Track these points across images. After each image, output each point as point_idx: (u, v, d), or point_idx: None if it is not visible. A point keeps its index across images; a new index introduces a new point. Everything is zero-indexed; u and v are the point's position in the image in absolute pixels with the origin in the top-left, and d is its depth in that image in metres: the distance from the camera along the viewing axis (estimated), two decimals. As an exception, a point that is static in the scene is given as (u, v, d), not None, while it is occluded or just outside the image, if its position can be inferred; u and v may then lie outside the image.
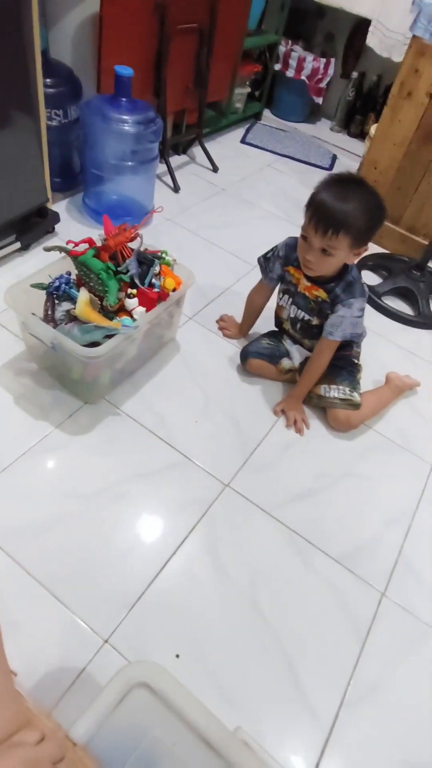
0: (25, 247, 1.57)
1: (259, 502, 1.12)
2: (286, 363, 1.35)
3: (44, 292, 1.16)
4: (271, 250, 1.28)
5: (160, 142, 1.73)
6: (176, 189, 2.07)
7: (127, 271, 1.16)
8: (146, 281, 1.20)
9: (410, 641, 0.98)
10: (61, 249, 1.17)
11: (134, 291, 1.17)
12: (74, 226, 1.73)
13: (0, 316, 1.34)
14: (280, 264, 1.26)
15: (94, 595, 0.92)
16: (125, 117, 1.58)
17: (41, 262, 1.26)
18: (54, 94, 1.58)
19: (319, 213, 1.04)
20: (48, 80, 1.52)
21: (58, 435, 1.14)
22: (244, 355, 1.36)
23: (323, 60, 2.64)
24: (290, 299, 1.28)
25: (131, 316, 1.16)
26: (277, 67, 2.68)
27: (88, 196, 1.79)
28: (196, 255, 1.76)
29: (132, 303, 1.16)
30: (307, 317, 1.26)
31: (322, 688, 0.89)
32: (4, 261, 1.53)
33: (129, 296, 1.16)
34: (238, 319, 1.49)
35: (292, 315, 1.30)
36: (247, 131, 2.68)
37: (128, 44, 1.71)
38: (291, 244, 1.23)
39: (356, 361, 1.33)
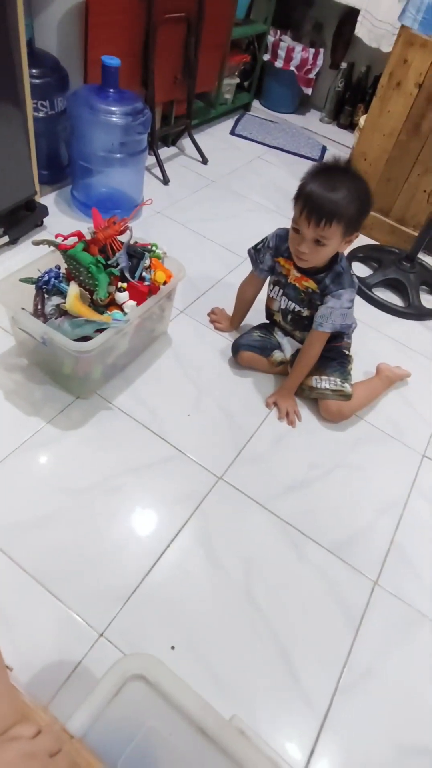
0: (13, 241, 1.56)
1: (252, 494, 1.13)
2: (277, 355, 1.35)
3: (33, 286, 1.15)
4: (262, 241, 1.27)
5: (148, 133, 1.72)
6: (166, 181, 2.05)
7: (117, 264, 1.15)
8: (136, 275, 1.19)
9: (402, 628, 0.99)
10: (50, 243, 1.15)
11: (124, 285, 1.17)
12: (63, 220, 1.71)
13: (-11, 311, 1.32)
14: (270, 255, 1.26)
15: (88, 589, 0.92)
16: (113, 108, 1.56)
17: (30, 256, 1.25)
18: (40, 84, 1.55)
19: (310, 204, 1.04)
20: (34, 70, 1.49)
21: (50, 430, 1.13)
22: (236, 347, 1.36)
23: (312, 50, 2.62)
24: (280, 290, 1.28)
25: (122, 310, 1.15)
26: (266, 57, 2.66)
27: (76, 188, 1.77)
28: (187, 248, 1.75)
29: (122, 297, 1.15)
30: (297, 308, 1.26)
31: (316, 676, 0.90)
32: (-8, 255, 1.51)
33: (119, 290, 1.16)
34: (230, 312, 1.48)
35: (282, 306, 1.30)
36: (237, 122, 2.66)
37: (115, 33, 1.69)
38: (281, 235, 1.23)
39: (347, 353, 1.34)
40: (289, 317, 1.30)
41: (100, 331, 1.08)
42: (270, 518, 1.10)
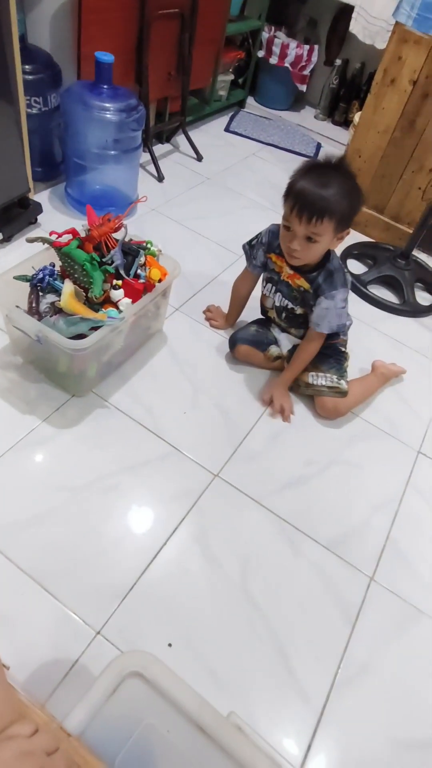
0: (7, 239, 1.55)
1: (248, 491, 1.13)
2: (274, 350, 1.35)
3: (28, 284, 1.14)
4: (256, 237, 1.27)
5: (143, 130, 1.71)
6: (160, 178, 2.05)
7: (112, 262, 1.15)
8: (131, 272, 1.19)
9: (398, 624, 1.00)
10: (44, 240, 1.15)
11: (119, 282, 1.16)
12: (57, 217, 1.71)
13: (-17, 309, 1.31)
14: (263, 251, 1.25)
15: (85, 587, 0.92)
16: (107, 104, 1.55)
17: (24, 254, 1.24)
18: (33, 80, 1.54)
19: (301, 201, 1.03)
20: (26, 66, 1.48)
21: (45, 428, 1.13)
22: (233, 341, 1.36)
23: (306, 47, 2.62)
24: (273, 288, 1.28)
25: (117, 308, 1.15)
26: (261, 53, 2.65)
27: (70, 186, 1.76)
28: (182, 245, 1.75)
29: (117, 294, 1.15)
30: (290, 306, 1.26)
31: (313, 672, 0.90)
32: (-14, 253, 1.50)
33: (114, 287, 1.15)
34: (225, 309, 1.48)
35: (276, 304, 1.30)
36: (231, 119, 2.65)
37: (108, 29, 1.68)
38: (274, 231, 1.22)
39: (343, 350, 1.34)
40: (284, 315, 1.30)
41: (96, 328, 1.07)
42: (266, 515, 1.10)
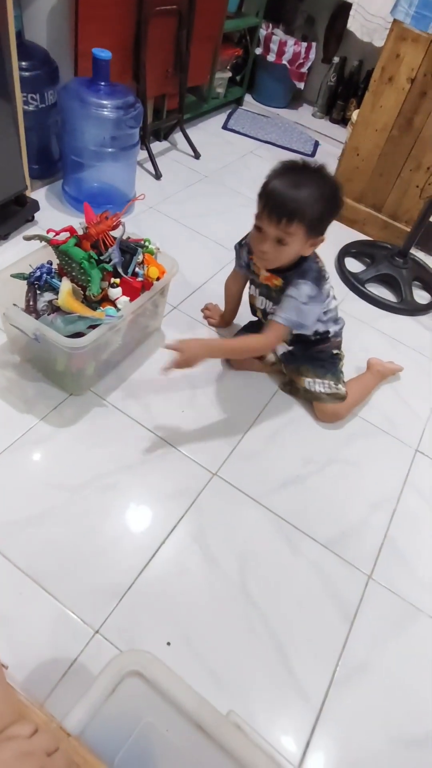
0: (3, 237, 1.54)
1: (246, 489, 1.13)
2: (269, 357, 1.35)
3: (25, 282, 1.14)
4: (245, 236, 1.26)
5: (140, 127, 1.70)
6: (158, 176, 2.04)
7: (110, 260, 1.14)
8: (129, 270, 1.18)
9: (396, 622, 1.00)
10: (41, 238, 1.14)
11: (117, 280, 1.16)
12: (54, 215, 1.70)
13: (-20, 308, 1.31)
14: (246, 252, 1.23)
15: (83, 586, 0.92)
16: (104, 101, 1.55)
17: (21, 252, 1.23)
18: (30, 77, 1.53)
19: (272, 201, 1.00)
20: (23, 63, 1.47)
21: (43, 427, 1.13)
22: None
23: (304, 44, 2.61)
24: (257, 289, 1.26)
25: (115, 306, 1.15)
26: (258, 51, 2.65)
27: (67, 183, 1.75)
28: (180, 243, 1.74)
29: (115, 292, 1.15)
30: (273, 306, 1.23)
31: (311, 670, 0.91)
32: (-17, 251, 1.50)
33: (112, 286, 1.15)
34: (222, 307, 1.48)
35: (260, 306, 1.28)
36: (229, 117, 2.65)
37: (106, 26, 1.67)
38: None
39: (336, 352, 1.31)
40: (268, 317, 1.23)
41: (93, 327, 1.07)
42: (265, 514, 1.10)
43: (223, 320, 1.47)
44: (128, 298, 1.16)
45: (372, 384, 1.41)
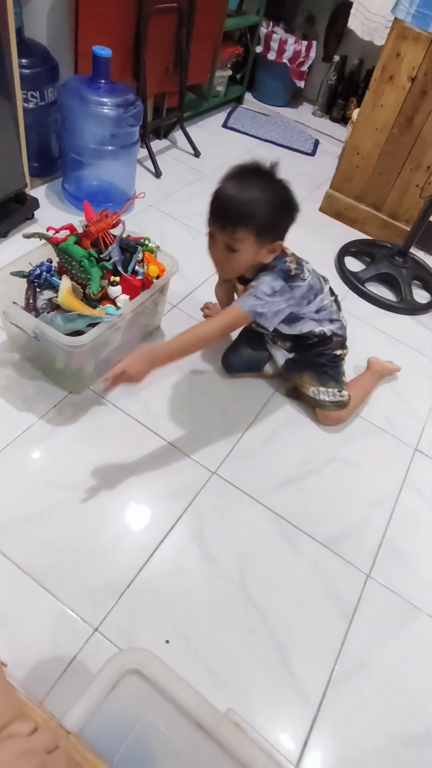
0: (3, 234, 1.54)
1: (246, 488, 1.13)
2: (268, 369, 1.35)
3: (25, 280, 1.14)
4: None
5: (140, 126, 1.70)
6: (158, 174, 2.04)
7: (110, 258, 1.14)
8: (129, 268, 1.18)
9: (395, 620, 1.00)
10: (41, 236, 1.14)
11: (117, 278, 1.16)
12: (54, 213, 1.69)
13: (-21, 306, 1.31)
14: None
15: (82, 584, 0.92)
16: (104, 99, 1.54)
17: (21, 250, 1.23)
18: (30, 75, 1.53)
19: (217, 206, 0.96)
20: (23, 60, 1.47)
21: (42, 426, 1.13)
22: (228, 368, 1.34)
23: (305, 43, 2.61)
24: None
25: (115, 304, 1.14)
26: (259, 49, 2.64)
27: (67, 181, 1.75)
28: (179, 241, 1.74)
29: (115, 291, 1.15)
30: None
31: (310, 668, 0.91)
32: (-18, 249, 1.49)
33: (112, 284, 1.15)
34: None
35: None
36: (229, 115, 2.64)
37: (106, 23, 1.66)
38: None
39: (338, 353, 1.26)
40: (253, 324, 1.13)
41: (93, 325, 1.07)
42: (264, 512, 1.10)
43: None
44: (128, 296, 1.15)
45: (371, 384, 1.41)
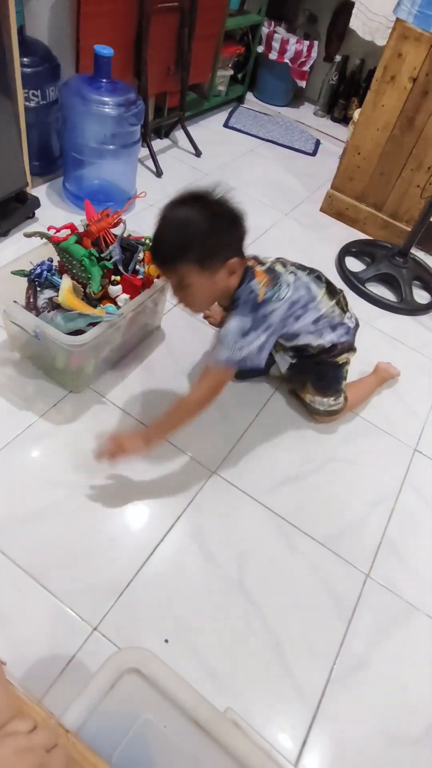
0: (4, 233, 1.54)
1: (245, 488, 1.13)
2: (273, 371, 1.34)
3: (25, 279, 1.14)
4: None
5: (141, 125, 1.70)
6: (159, 173, 2.04)
7: (111, 257, 1.14)
8: (130, 268, 1.18)
9: (394, 620, 1.00)
10: (42, 235, 1.14)
11: (118, 278, 1.16)
12: (55, 212, 1.69)
13: (-20, 304, 1.31)
14: None
15: (82, 583, 0.92)
16: (106, 98, 1.54)
17: (22, 249, 1.23)
18: (31, 73, 1.53)
19: (152, 247, 0.90)
20: (25, 59, 1.47)
21: (42, 424, 1.13)
22: (234, 375, 1.30)
23: (306, 42, 2.61)
24: None
25: (115, 304, 1.15)
26: (260, 49, 2.64)
27: (68, 180, 1.75)
28: (180, 241, 1.74)
29: (116, 290, 1.15)
30: None
31: (309, 668, 0.91)
32: (-17, 247, 1.50)
33: (112, 283, 1.15)
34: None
35: None
36: (230, 115, 2.64)
37: (107, 22, 1.66)
38: None
39: (341, 361, 1.20)
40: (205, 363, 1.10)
41: (93, 324, 1.07)
42: (263, 512, 1.10)
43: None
44: (128, 295, 1.15)
45: (373, 388, 1.40)
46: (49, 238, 1.13)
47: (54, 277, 1.13)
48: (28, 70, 1.51)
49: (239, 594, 0.97)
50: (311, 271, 1.09)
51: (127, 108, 1.58)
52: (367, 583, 1.04)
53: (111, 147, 1.63)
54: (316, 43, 2.64)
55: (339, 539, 1.09)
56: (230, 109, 2.69)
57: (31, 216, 1.62)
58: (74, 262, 1.09)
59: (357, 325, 1.20)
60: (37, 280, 1.13)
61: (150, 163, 2.05)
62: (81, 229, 1.14)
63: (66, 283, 1.08)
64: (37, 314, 1.10)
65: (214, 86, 2.45)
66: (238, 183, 2.14)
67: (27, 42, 1.53)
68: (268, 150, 2.46)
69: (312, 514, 1.12)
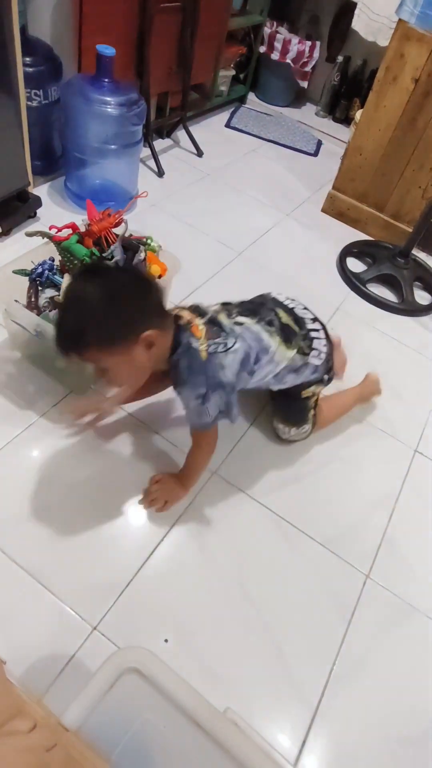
0: (5, 232, 1.54)
1: (245, 488, 1.13)
2: None
3: (27, 278, 1.14)
4: None
5: (143, 125, 1.70)
6: (160, 173, 2.04)
7: (112, 257, 1.14)
8: (131, 268, 1.18)
9: (394, 621, 1.00)
10: (43, 234, 1.14)
11: (119, 278, 1.16)
12: (56, 211, 1.70)
13: (-19, 303, 1.31)
14: None
15: (82, 582, 0.92)
16: (108, 98, 1.54)
17: (23, 248, 1.23)
18: (33, 73, 1.53)
19: (55, 339, 0.83)
20: (27, 59, 1.47)
21: (43, 424, 1.13)
22: None
23: (308, 43, 2.60)
24: None
25: (116, 304, 1.14)
26: (262, 49, 2.64)
27: (70, 180, 1.75)
28: (182, 241, 1.74)
29: (117, 290, 1.14)
30: None
31: (308, 668, 0.91)
32: (-15, 246, 1.50)
33: (114, 283, 1.15)
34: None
35: None
36: (232, 115, 2.64)
37: (110, 22, 1.66)
38: None
39: (307, 395, 1.13)
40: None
41: (95, 324, 1.07)
42: (263, 512, 1.10)
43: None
44: (130, 295, 1.15)
45: (351, 404, 1.30)
46: (51, 238, 1.13)
47: (55, 276, 1.13)
48: (31, 69, 1.51)
49: (239, 594, 0.97)
50: (261, 317, 1.00)
51: (129, 108, 1.58)
52: (367, 584, 1.04)
53: (113, 147, 1.63)
54: (318, 43, 2.64)
55: (339, 540, 1.09)
56: (232, 110, 2.69)
57: (32, 215, 1.62)
58: (76, 262, 1.09)
59: (329, 352, 1.10)
60: (39, 279, 1.13)
61: (152, 162, 2.05)
62: (82, 229, 1.14)
63: (67, 282, 1.08)
64: (39, 313, 1.11)
65: (216, 86, 2.45)
66: (239, 183, 2.14)
67: (29, 41, 1.53)
68: (270, 150, 2.46)
69: (312, 514, 1.12)
